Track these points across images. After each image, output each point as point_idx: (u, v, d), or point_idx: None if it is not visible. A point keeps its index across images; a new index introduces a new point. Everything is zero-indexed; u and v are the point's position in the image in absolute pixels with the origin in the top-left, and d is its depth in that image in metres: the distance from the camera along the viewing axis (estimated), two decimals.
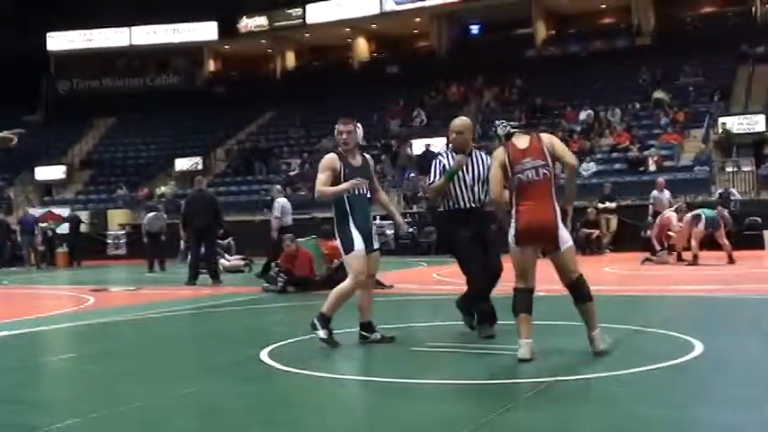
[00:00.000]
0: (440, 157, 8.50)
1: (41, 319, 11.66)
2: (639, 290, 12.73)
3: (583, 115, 34.21)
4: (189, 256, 18.85)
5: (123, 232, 34.99)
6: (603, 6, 43.91)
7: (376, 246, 8.17)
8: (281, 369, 6.92)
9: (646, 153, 29.18)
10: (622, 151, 30.65)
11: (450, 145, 8.65)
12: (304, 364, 7.06)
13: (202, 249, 17.79)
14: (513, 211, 7.04)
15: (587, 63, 39.73)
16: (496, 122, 7.58)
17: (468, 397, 5.86)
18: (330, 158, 8.11)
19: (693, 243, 18.27)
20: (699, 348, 7.17)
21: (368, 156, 8.50)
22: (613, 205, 25.70)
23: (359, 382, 6.71)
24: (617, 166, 29.82)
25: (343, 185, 7.95)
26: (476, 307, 8.33)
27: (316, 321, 7.91)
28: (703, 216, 18.33)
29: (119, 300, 15.37)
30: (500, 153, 7.19)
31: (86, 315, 12.22)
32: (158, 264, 23.64)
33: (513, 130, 7.26)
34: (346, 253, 7.98)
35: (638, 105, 34.71)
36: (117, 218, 36.57)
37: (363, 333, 8.05)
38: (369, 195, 8.24)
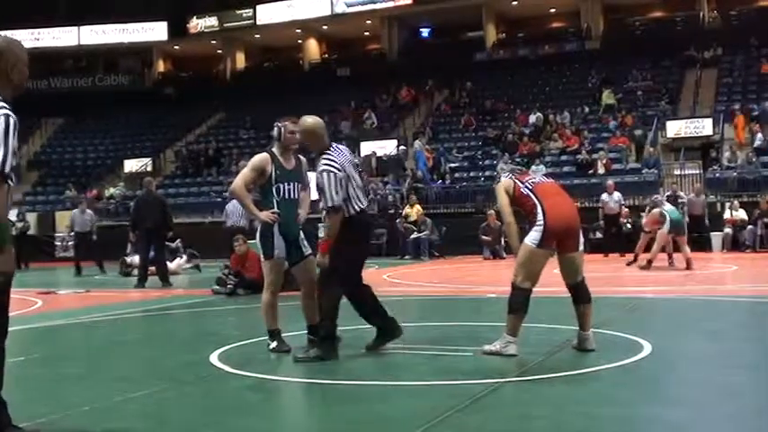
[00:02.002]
0: None
1: None
2: None
3: (532, 118, 34.40)
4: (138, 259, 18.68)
5: (72, 234, 34.56)
6: (553, 11, 44.27)
7: (307, 252, 7.84)
8: (231, 372, 6.90)
9: (595, 156, 29.41)
10: (572, 154, 30.87)
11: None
12: (254, 366, 7.04)
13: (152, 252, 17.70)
14: (540, 211, 7.17)
15: (537, 66, 40.08)
16: (501, 170, 7.94)
17: (418, 398, 5.86)
18: (262, 158, 7.81)
19: (655, 247, 17.94)
20: (647, 349, 7.25)
21: (302, 158, 8.12)
22: None
23: (309, 384, 6.69)
24: (566, 168, 30.02)
25: (258, 213, 7.69)
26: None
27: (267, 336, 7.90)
28: (668, 218, 17.78)
29: (67, 302, 15.20)
30: (504, 181, 7.50)
31: (34, 318, 12.07)
32: (75, 266, 23.15)
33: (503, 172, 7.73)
34: (265, 259, 7.78)
35: (587, 109, 35.01)
36: (65, 219, 36.13)
37: (311, 337, 8.00)
38: (299, 197, 7.89)
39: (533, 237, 7.13)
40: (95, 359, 8.34)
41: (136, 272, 18.55)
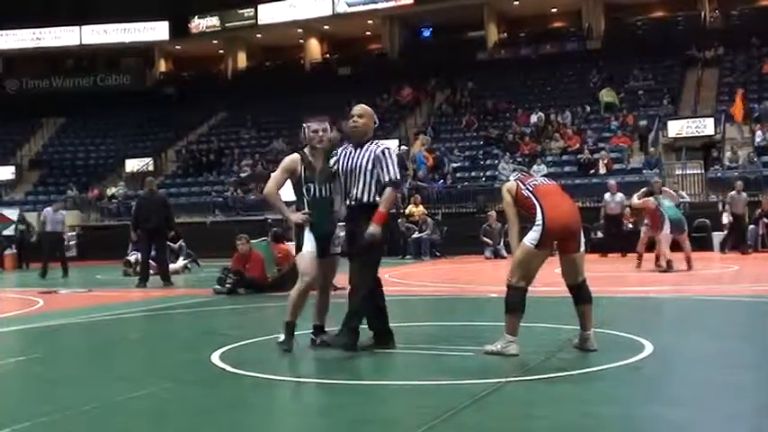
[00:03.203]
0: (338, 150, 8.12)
1: None
2: None
3: (534, 118, 34.41)
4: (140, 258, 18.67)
5: (73, 234, 34.61)
6: (554, 10, 44.28)
7: (334, 251, 7.95)
8: (232, 372, 6.89)
9: (596, 156, 29.39)
10: (573, 154, 30.86)
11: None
12: (255, 366, 7.02)
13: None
14: (539, 212, 7.18)
15: (538, 66, 40.07)
16: (503, 169, 7.99)
17: (419, 398, 5.86)
18: (292, 159, 7.87)
19: (665, 249, 17.15)
20: (648, 348, 7.25)
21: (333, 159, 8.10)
22: None
23: (310, 384, 6.69)
24: (567, 168, 30.02)
25: (289, 215, 7.80)
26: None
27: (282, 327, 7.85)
28: (666, 217, 17.16)
29: (68, 302, 15.17)
30: (508, 184, 7.60)
31: (35, 318, 12.07)
32: (42, 267, 22.00)
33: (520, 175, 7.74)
34: (297, 251, 7.83)
35: (588, 108, 34.98)
36: (67, 219, 36.10)
37: (313, 336, 8.01)
38: (332, 195, 7.90)
39: (532, 237, 7.14)
40: (96, 359, 8.34)
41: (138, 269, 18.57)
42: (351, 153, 7.79)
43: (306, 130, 7.93)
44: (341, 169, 7.80)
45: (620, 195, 23.54)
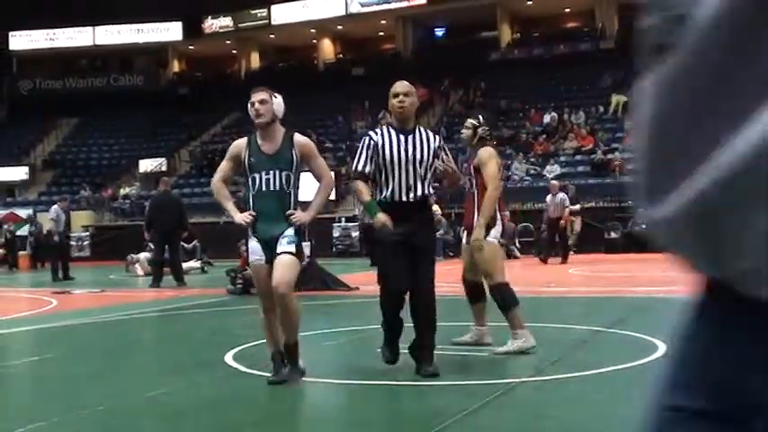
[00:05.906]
0: (371, 133, 6.87)
1: (2, 323, 11.54)
2: (602, 291, 12.77)
3: (547, 118, 34.35)
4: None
5: (87, 234, 34.74)
6: (568, 10, 44.18)
7: (281, 249, 6.26)
8: (246, 372, 6.90)
9: (610, 156, 29.33)
10: (586, 154, 30.80)
11: (392, 116, 6.99)
12: (269, 366, 7.03)
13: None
14: (500, 214, 7.32)
15: (551, 66, 39.96)
16: (473, 122, 7.69)
17: (433, 398, 5.86)
18: (236, 144, 6.63)
19: None
20: (661, 349, 7.23)
21: (301, 138, 6.66)
22: (577, 207, 25.35)
23: (323, 384, 6.68)
24: (581, 168, 29.97)
25: (233, 214, 6.47)
26: (383, 328, 6.75)
27: None
28: None
29: (82, 302, 15.24)
30: (496, 154, 7.65)
31: (49, 318, 12.12)
32: (62, 270, 21.09)
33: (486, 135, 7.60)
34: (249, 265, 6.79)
35: (601, 108, 34.91)
36: (80, 219, 36.28)
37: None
38: (286, 189, 6.40)
39: (496, 233, 7.21)
40: (110, 359, 8.36)
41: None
42: (398, 140, 6.63)
43: (249, 106, 6.52)
44: (390, 158, 6.55)
45: (560, 196, 21.83)
